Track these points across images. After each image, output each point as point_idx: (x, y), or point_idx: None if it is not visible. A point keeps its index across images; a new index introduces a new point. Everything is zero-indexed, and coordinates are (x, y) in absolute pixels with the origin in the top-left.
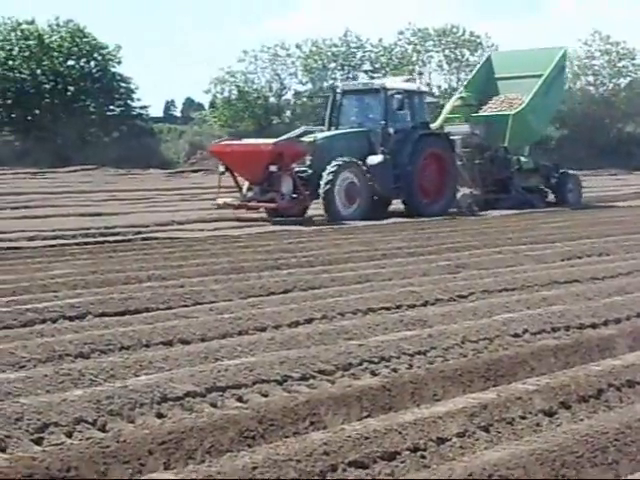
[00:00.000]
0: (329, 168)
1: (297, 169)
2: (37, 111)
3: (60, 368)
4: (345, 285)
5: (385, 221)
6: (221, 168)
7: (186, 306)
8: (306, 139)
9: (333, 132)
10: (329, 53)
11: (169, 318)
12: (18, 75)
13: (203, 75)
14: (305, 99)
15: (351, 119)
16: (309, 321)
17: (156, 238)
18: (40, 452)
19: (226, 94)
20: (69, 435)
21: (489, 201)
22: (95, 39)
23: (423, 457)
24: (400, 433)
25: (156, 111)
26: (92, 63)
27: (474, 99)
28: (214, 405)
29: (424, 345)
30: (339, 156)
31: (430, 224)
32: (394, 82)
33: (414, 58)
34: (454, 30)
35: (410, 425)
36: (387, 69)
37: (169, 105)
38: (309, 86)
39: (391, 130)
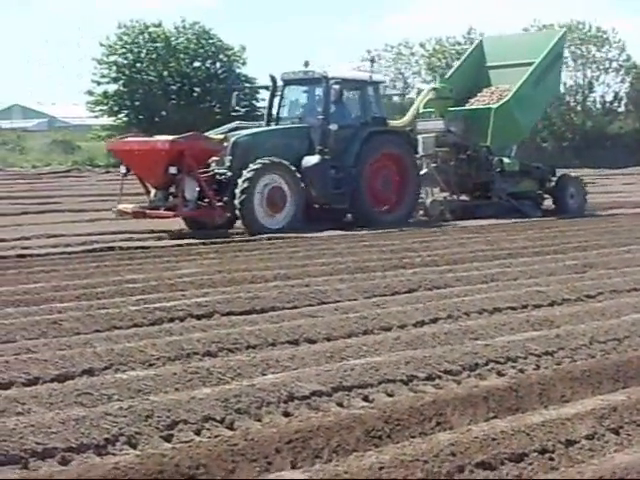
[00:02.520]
0: (245, 172)
1: (217, 171)
2: (164, 112)
3: (188, 366)
4: (470, 284)
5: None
6: (123, 169)
7: (311, 305)
8: (217, 136)
9: (259, 129)
10: (452, 51)
11: (295, 317)
12: (146, 77)
13: None
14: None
15: (293, 113)
16: (434, 321)
17: (283, 238)
18: (170, 449)
19: None
20: (198, 433)
21: (468, 208)
22: (220, 40)
23: (551, 459)
24: (528, 434)
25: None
26: (217, 64)
27: (450, 91)
28: (340, 404)
29: (551, 346)
30: (266, 157)
31: (557, 223)
32: (339, 70)
33: None
34: (580, 26)
35: (538, 427)
36: None
37: None
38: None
39: (334, 126)
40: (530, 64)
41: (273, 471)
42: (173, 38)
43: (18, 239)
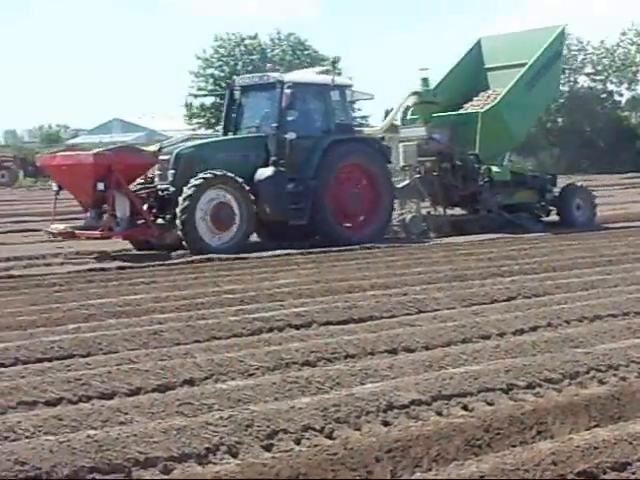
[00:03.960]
0: (186, 188)
1: (159, 187)
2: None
3: (287, 376)
4: (570, 292)
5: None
6: (54, 186)
7: (410, 314)
8: (152, 148)
9: (206, 140)
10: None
11: (393, 326)
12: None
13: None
14: None
15: (252, 122)
16: (534, 329)
17: (378, 247)
18: (270, 458)
19: None
20: (298, 442)
21: (456, 223)
22: (316, 51)
23: None
24: (630, 443)
25: (375, 120)
26: None
27: (434, 95)
28: (439, 413)
29: None
30: (214, 170)
31: None
32: (297, 74)
33: (637, 59)
34: None
35: None
36: (609, 71)
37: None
38: None
39: (291, 135)
40: (521, 65)
41: None
42: (269, 50)
43: (119, 251)
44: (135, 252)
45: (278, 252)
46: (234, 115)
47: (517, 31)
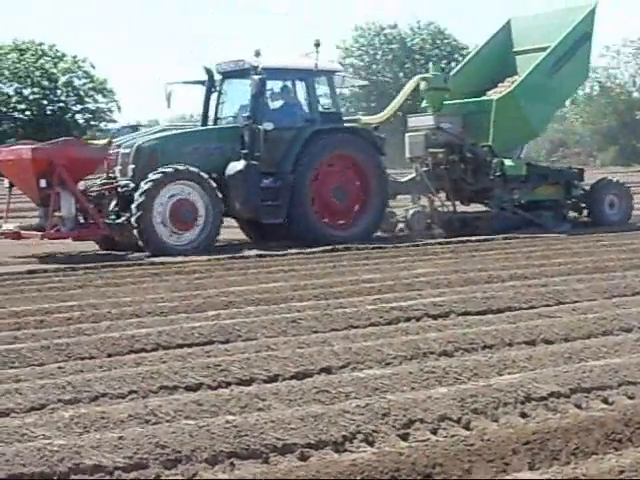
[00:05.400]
0: (143, 184)
1: (120, 183)
2: (400, 113)
3: (425, 365)
4: None
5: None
6: (6, 182)
7: (549, 306)
8: (100, 141)
9: (171, 132)
10: None
11: (532, 318)
12: (381, 78)
13: None
14: None
15: (230, 112)
16: None
17: (518, 237)
18: (406, 447)
19: (587, 90)
20: (434, 432)
21: (467, 220)
22: (455, 40)
23: None
24: None
25: None
26: (452, 64)
27: (445, 80)
28: (579, 406)
29: None
30: (179, 164)
31: None
32: (275, 59)
33: None
34: None
35: None
36: None
37: None
38: None
39: (268, 125)
40: (543, 49)
41: (510, 472)
42: (408, 39)
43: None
44: (274, 242)
45: (416, 242)
46: (215, 105)
47: (548, 11)
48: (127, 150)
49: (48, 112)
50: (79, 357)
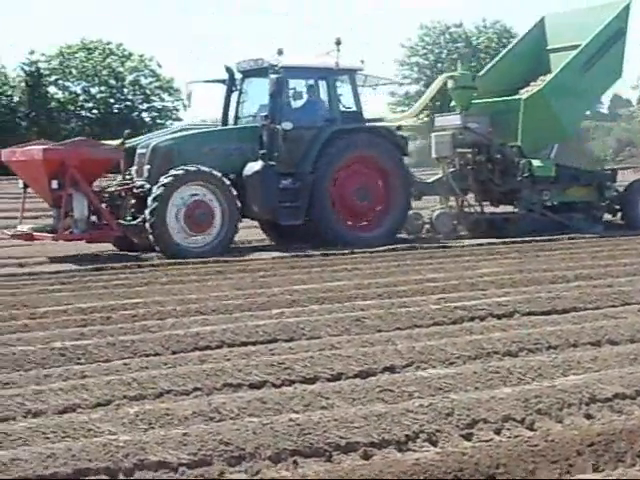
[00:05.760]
0: (155, 187)
1: (137, 184)
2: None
3: (488, 365)
4: None
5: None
6: (20, 183)
7: (614, 306)
8: (113, 142)
9: (188, 132)
10: None
11: (597, 318)
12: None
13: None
14: None
15: (251, 111)
16: None
17: (584, 238)
18: (469, 448)
19: None
20: (498, 432)
21: (495, 222)
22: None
23: None
24: None
25: None
26: None
27: (472, 78)
28: None
29: None
30: (194, 165)
31: None
32: (294, 57)
33: None
34: None
35: None
36: None
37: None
38: None
39: (287, 125)
40: (575, 47)
41: (574, 474)
42: (474, 38)
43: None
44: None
45: (481, 241)
46: (235, 104)
47: (582, 7)
48: (143, 150)
49: (115, 110)
50: (144, 354)
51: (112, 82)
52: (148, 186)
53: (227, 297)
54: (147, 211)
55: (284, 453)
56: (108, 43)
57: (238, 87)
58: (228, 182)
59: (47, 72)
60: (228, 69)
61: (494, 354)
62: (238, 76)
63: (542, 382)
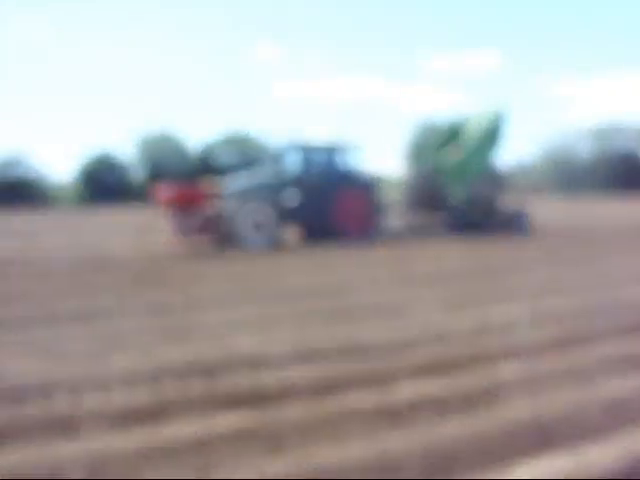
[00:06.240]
0: (235, 209)
1: (223, 207)
2: None
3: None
4: None
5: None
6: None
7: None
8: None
9: (249, 180)
10: None
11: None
12: None
13: None
14: None
15: (284, 170)
16: None
17: None
18: None
19: None
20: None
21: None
22: None
23: None
24: None
25: None
26: None
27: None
28: None
29: None
30: (254, 199)
31: None
32: (314, 140)
33: None
34: None
35: None
36: None
37: None
38: None
39: (309, 179)
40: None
41: None
42: None
43: None
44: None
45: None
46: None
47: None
48: (229, 190)
49: None
50: (267, 298)
51: None
52: (227, 209)
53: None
54: (229, 224)
55: (342, 353)
56: None
57: (277, 155)
58: (276, 208)
59: None
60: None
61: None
62: (273, 150)
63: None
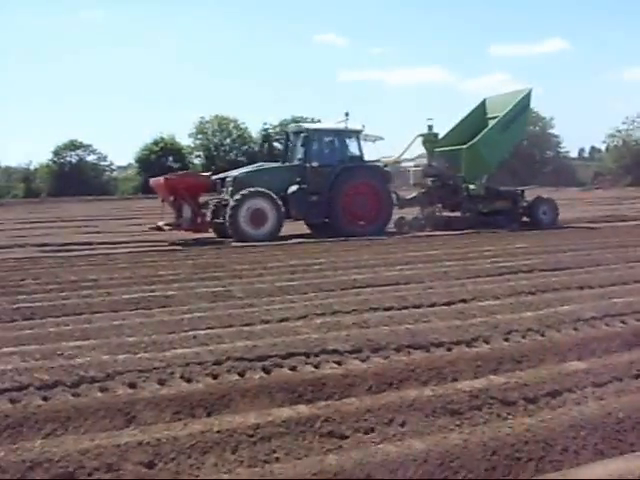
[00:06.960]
0: (231, 200)
1: (224, 197)
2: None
3: (519, 299)
4: None
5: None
6: (160, 198)
7: (590, 267)
8: (205, 174)
9: (253, 168)
10: None
11: (579, 273)
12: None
13: None
14: None
15: (295, 156)
16: None
17: None
18: (506, 345)
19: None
20: (523, 337)
21: (448, 221)
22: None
23: None
24: None
25: None
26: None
27: (435, 135)
28: None
29: None
30: (259, 188)
31: None
32: (319, 124)
33: None
34: None
35: None
36: None
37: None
38: None
39: (313, 164)
40: (495, 117)
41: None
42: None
43: None
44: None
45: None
46: (287, 152)
47: (505, 93)
48: (229, 179)
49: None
50: (325, 289)
51: None
52: (227, 199)
53: (367, 259)
54: (227, 214)
55: (402, 347)
56: None
57: (289, 141)
58: (276, 197)
59: None
60: (285, 132)
61: (522, 293)
62: (290, 135)
63: (550, 309)
